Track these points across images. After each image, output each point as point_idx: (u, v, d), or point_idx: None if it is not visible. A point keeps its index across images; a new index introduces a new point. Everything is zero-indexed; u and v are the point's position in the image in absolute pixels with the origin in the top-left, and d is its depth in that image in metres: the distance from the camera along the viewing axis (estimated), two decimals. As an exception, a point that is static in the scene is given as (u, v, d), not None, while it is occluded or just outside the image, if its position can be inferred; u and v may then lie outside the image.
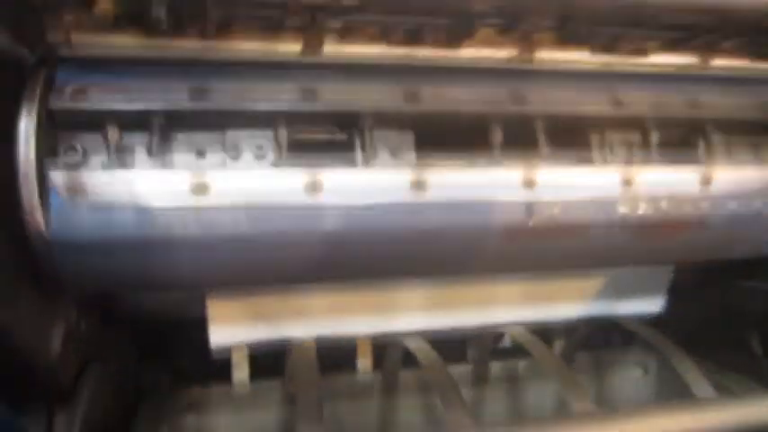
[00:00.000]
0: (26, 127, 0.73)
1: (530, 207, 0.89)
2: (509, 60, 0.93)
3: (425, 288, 1.10)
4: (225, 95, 0.80)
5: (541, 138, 0.89)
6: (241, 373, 1.05)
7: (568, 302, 1.19)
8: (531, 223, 0.89)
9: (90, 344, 0.92)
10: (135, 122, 0.77)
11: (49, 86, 0.75)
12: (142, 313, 1.04)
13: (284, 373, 1.11)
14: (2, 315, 0.72)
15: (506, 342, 1.25)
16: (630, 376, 1.35)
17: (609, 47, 0.94)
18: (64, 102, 0.75)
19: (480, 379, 1.22)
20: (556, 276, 1.16)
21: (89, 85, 0.76)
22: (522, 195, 0.88)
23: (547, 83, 0.92)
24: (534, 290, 1.16)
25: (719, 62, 1.01)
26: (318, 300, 1.07)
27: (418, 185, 0.84)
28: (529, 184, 0.88)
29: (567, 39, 0.91)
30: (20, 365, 0.78)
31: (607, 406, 1.18)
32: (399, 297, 1.09)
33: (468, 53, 0.90)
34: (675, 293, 1.24)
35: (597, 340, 1.33)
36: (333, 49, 0.86)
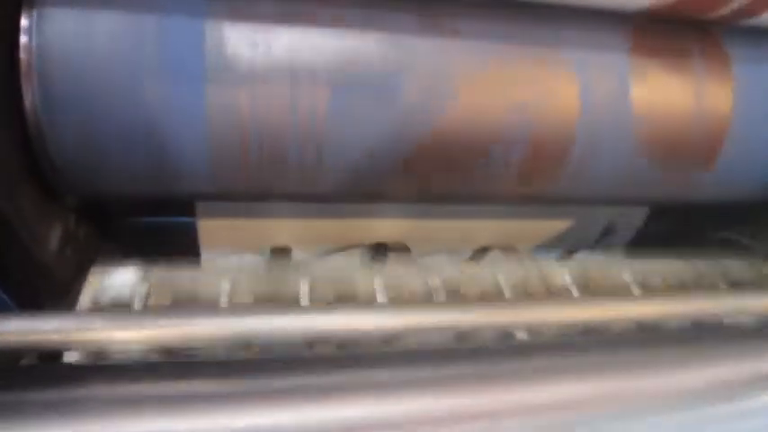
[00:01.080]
0: (29, 24, 0.75)
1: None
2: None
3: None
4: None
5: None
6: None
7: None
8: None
9: (87, 251, 0.95)
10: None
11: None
12: (141, 225, 1.07)
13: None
14: (2, 206, 0.75)
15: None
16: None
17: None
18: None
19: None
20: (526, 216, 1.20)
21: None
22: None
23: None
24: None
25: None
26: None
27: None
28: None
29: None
30: (18, 260, 0.81)
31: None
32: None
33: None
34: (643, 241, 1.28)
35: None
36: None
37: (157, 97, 0.80)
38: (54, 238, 0.86)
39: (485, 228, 1.19)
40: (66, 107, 0.78)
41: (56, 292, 0.89)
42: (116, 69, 0.78)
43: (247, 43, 0.81)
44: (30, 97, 0.77)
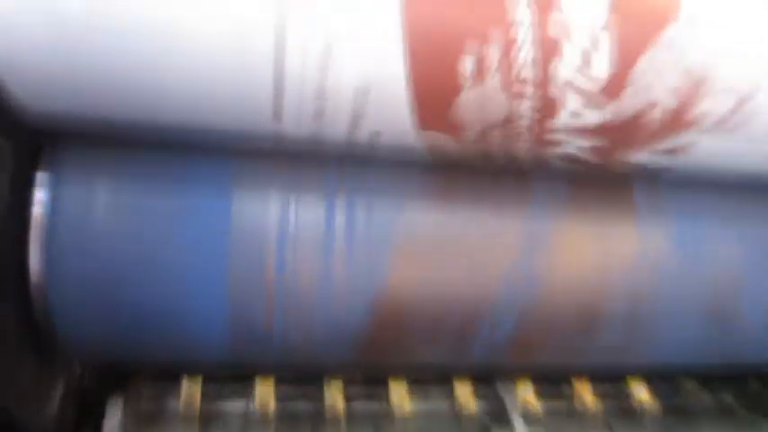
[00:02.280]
0: (42, 197, 0.70)
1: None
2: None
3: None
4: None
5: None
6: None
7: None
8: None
9: (92, 398, 0.89)
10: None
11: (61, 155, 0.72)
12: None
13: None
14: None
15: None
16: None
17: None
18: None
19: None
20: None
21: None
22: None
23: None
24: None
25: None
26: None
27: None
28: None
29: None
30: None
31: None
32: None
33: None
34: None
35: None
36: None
37: (175, 272, 0.74)
38: (54, 401, 0.80)
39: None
40: (79, 280, 0.73)
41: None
42: (132, 244, 0.73)
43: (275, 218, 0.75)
44: (38, 268, 0.72)
